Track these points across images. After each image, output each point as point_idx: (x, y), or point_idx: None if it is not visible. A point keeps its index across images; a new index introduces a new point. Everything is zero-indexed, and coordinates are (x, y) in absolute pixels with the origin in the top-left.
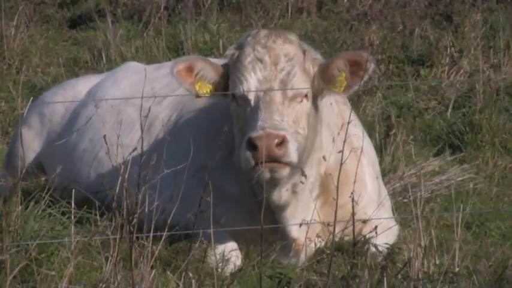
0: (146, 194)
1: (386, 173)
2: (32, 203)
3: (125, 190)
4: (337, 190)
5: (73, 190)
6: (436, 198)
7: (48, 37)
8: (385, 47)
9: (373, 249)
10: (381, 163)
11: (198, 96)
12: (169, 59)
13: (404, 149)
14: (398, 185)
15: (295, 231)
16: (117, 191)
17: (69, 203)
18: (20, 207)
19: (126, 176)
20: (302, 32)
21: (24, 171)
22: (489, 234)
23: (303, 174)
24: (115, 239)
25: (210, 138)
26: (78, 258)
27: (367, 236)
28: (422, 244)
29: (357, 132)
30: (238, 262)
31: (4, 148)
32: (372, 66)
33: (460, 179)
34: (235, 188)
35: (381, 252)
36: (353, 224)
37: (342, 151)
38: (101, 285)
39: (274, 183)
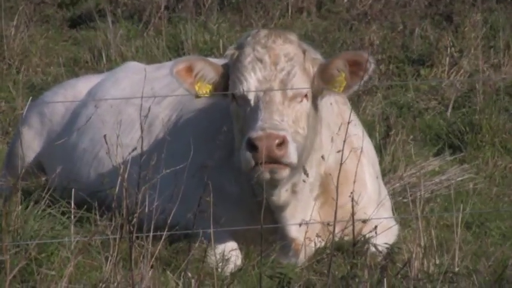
0: (146, 193)
1: (386, 173)
2: (32, 203)
3: (125, 190)
4: (337, 190)
5: (73, 190)
6: (436, 198)
7: (48, 37)
8: (385, 46)
9: (373, 249)
10: (380, 163)
11: (197, 96)
12: (170, 59)
13: (404, 149)
14: (398, 184)
15: (295, 231)
16: (116, 190)
17: (69, 203)
18: (19, 207)
19: (126, 176)
20: (302, 31)
21: (23, 170)
22: (489, 234)
23: (305, 172)
24: (115, 239)
25: (209, 138)
26: (78, 258)
27: (367, 235)
28: (422, 244)
29: (357, 132)
30: (238, 262)
31: (4, 148)
32: (371, 66)
33: (460, 179)
34: (235, 188)
35: (380, 252)
36: (353, 224)
37: (340, 151)
38: (100, 285)
39: (274, 184)
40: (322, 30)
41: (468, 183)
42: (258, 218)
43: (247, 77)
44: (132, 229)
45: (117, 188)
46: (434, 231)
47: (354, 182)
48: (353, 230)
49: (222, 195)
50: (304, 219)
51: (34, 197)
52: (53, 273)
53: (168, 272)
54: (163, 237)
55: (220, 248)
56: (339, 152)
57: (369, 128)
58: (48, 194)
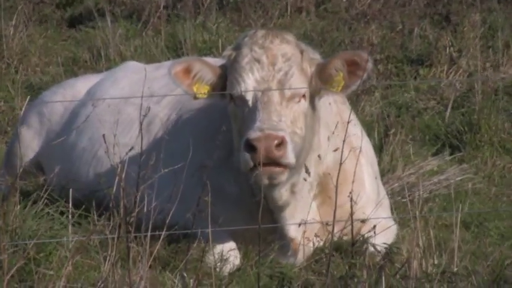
0: (145, 193)
1: (385, 172)
2: (30, 203)
3: (122, 190)
4: (336, 190)
5: (70, 190)
6: (434, 198)
7: (47, 36)
8: (384, 46)
9: (371, 249)
10: (379, 163)
11: (196, 97)
12: (169, 59)
13: (403, 148)
14: (397, 184)
15: (294, 231)
16: (114, 190)
17: (68, 203)
18: (18, 206)
19: (123, 176)
20: (301, 31)
21: (22, 170)
22: (488, 234)
23: (307, 171)
24: (113, 239)
25: (208, 138)
26: (76, 257)
27: (366, 235)
28: (421, 244)
29: (356, 131)
30: (237, 262)
31: (3, 147)
32: (369, 66)
33: (458, 178)
34: (234, 188)
35: (379, 252)
36: (351, 224)
37: (337, 149)
38: (99, 284)
39: (272, 186)
40: (321, 30)
41: (467, 183)
42: (257, 217)
43: (245, 78)
44: (130, 229)
45: (115, 187)
46: (432, 231)
47: (353, 181)
48: (352, 229)
49: (221, 195)
50: (303, 219)
51: (32, 196)
52: (51, 272)
53: (167, 272)
54: (161, 237)
55: (218, 247)
56: (336, 150)
57: (368, 127)
58: (47, 193)
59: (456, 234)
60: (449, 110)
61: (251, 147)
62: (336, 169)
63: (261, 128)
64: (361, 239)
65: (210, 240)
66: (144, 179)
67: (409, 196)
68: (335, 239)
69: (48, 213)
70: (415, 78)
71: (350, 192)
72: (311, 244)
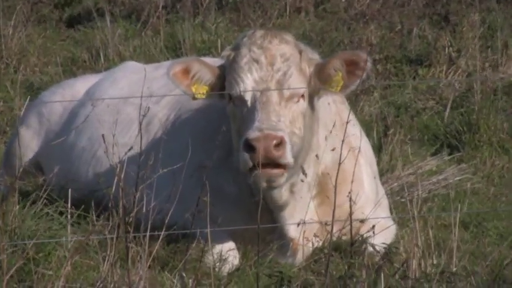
0: (144, 193)
1: (384, 172)
2: (29, 203)
3: (121, 189)
4: (335, 189)
5: (69, 190)
6: (433, 198)
7: (46, 36)
8: (383, 46)
9: (370, 248)
10: (378, 163)
11: (194, 98)
12: (168, 59)
13: (402, 148)
14: (395, 184)
15: (293, 231)
16: (113, 190)
17: (67, 203)
18: (17, 206)
19: (123, 176)
20: (300, 31)
21: (21, 170)
22: (486, 234)
23: (304, 172)
24: (112, 239)
25: (207, 138)
26: (75, 257)
27: (365, 235)
28: (420, 244)
29: (355, 131)
30: (236, 262)
31: (2, 148)
32: (368, 65)
33: (457, 178)
34: (233, 188)
35: (378, 251)
36: (350, 224)
37: (334, 149)
38: (98, 284)
39: (271, 188)
40: (320, 30)
41: (466, 183)
42: (256, 217)
43: (244, 78)
44: (129, 229)
45: (114, 187)
46: (431, 231)
47: (352, 181)
48: (351, 229)
49: (220, 195)
50: (302, 219)
51: (32, 196)
52: (50, 272)
53: (166, 272)
54: (160, 237)
55: (217, 247)
56: (333, 150)
57: (367, 127)
58: (46, 193)
59: (455, 234)
60: (448, 110)
61: (250, 147)
62: (334, 169)
63: (260, 128)
64: (360, 239)
65: (209, 240)
66: (143, 179)
67: (408, 196)
68: (334, 239)
69: (47, 213)
70: (414, 78)
71: (349, 192)
72: (310, 244)
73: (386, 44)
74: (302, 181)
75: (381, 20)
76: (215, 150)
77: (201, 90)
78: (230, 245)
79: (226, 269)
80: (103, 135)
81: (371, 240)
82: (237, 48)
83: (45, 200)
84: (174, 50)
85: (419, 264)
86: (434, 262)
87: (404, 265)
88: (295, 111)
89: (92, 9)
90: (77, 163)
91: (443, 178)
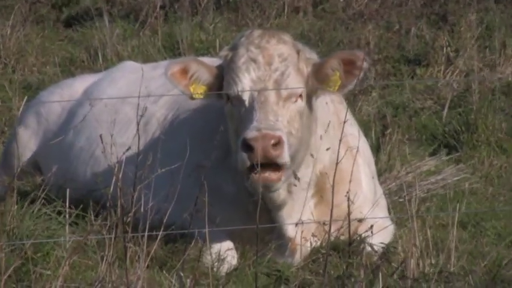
0: (142, 193)
1: (382, 172)
2: (27, 203)
3: (119, 189)
4: (333, 189)
5: (67, 190)
6: (431, 198)
7: (44, 36)
8: (381, 46)
9: (368, 248)
10: (376, 162)
11: (192, 97)
12: (165, 59)
13: (400, 148)
14: (394, 184)
15: (291, 231)
16: (111, 190)
17: (65, 202)
18: (15, 206)
19: (121, 175)
20: (298, 31)
21: (19, 170)
22: (484, 233)
23: (296, 177)
24: (110, 239)
25: (205, 138)
26: (73, 257)
27: (363, 235)
28: (418, 244)
29: (353, 131)
30: (234, 262)
31: (0, 147)
32: (365, 65)
33: (455, 178)
34: (232, 188)
35: (376, 251)
36: (349, 224)
37: (329, 148)
38: (96, 284)
39: (269, 192)
40: (318, 30)
41: (464, 183)
42: (254, 217)
43: (242, 78)
44: (127, 229)
45: (112, 187)
46: (430, 231)
47: (350, 181)
48: (349, 229)
49: (218, 194)
50: (300, 219)
51: (30, 196)
52: (49, 272)
53: (164, 272)
54: (158, 237)
55: (216, 247)
56: (327, 149)
57: (365, 127)
58: (44, 193)
59: (453, 234)
60: (446, 109)
61: (248, 147)
62: (332, 169)
63: (258, 128)
64: (358, 238)
65: (207, 240)
66: (141, 179)
67: (406, 196)
68: (332, 238)
69: (45, 213)
70: (412, 78)
71: (347, 192)
72: (308, 244)
73: (384, 44)
74: (295, 185)
75: (379, 19)
76: (213, 150)
77: (199, 90)
78: (228, 244)
79: (225, 268)
80: (101, 135)
81: (369, 240)
82: (234, 48)
83: (43, 200)
84: (172, 50)
85: (418, 264)
86: (433, 262)
87: (403, 265)
88: (293, 111)
89: (90, 9)
90: (75, 163)
91: (442, 178)
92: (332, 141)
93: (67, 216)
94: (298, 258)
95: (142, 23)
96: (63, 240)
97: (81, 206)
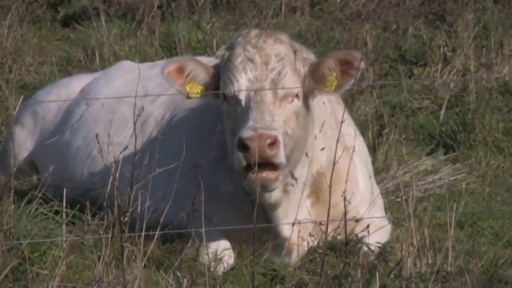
0: (139, 192)
1: (379, 172)
2: (24, 202)
3: (116, 189)
4: (330, 189)
5: (64, 189)
6: (428, 198)
7: (41, 36)
8: (378, 46)
9: (365, 248)
10: (373, 162)
11: (189, 97)
12: (163, 58)
13: (397, 148)
14: (391, 184)
15: (287, 230)
16: (108, 189)
17: (62, 202)
18: (12, 206)
19: (117, 175)
20: (295, 31)
21: (15, 169)
22: (482, 233)
23: (293, 177)
24: (107, 238)
25: (202, 138)
26: (70, 257)
27: (360, 235)
28: (415, 243)
29: (350, 131)
30: (231, 261)
31: None
32: (362, 65)
33: (452, 178)
34: (229, 187)
35: (373, 251)
36: (345, 223)
37: (324, 148)
38: (93, 284)
39: (266, 192)
40: (316, 30)
41: (461, 183)
42: (251, 217)
43: (238, 77)
44: (124, 228)
45: (109, 186)
46: (427, 231)
47: (346, 181)
48: (345, 229)
49: (215, 194)
50: (296, 219)
51: (27, 196)
52: (45, 272)
53: (161, 272)
54: (155, 237)
55: (213, 247)
56: (322, 149)
57: (362, 127)
58: (41, 193)
59: (450, 234)
60: (443, 109)
61: (244, 147)
62: (329, 169)
63: (254, 127)
64: (355, 238)
65: (204, 240)
66: (138, 179)
67: (403, 195)
68: (329, 238)
69: (42, 212)
70: (410, 77)
71: (344, 192)
72: (305, 243)
73: (381, 43)
74: (292, 185)
75: (376, 19)
76: (210, 149)
77: (195, 90)
78: (225, 244)
79: (222, 268)
80: (97, 135)
81: (366, 240)
82: (231, 48)
83: (40, 200)
84: (170, 50)
85: (415, 264)
86: (430, 261)
87: (400, 264)
88: (289, 111)
89: (87, 8)
90: (72, 162)
91: (439, 178)
92: (329, 141)
93: (64, 215)
94: (295, 258)
95: (139, 22)
96: (60, 239)
97: (78, 205)
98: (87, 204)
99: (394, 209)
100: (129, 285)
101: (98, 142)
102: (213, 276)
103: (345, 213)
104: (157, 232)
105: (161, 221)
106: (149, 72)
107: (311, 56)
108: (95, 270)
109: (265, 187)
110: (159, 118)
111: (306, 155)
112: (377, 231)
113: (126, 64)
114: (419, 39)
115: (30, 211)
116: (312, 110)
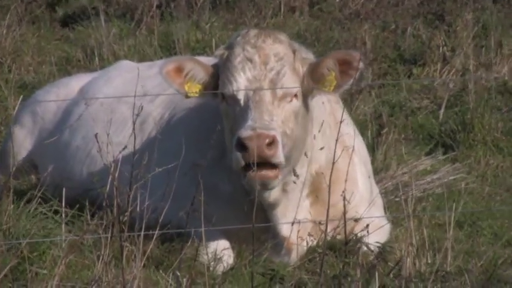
0: (138, 192)
1: (378, 171)
2: (23, 202)
3: (115, 189)
4: (329, 189)
5: (64, 189)
6: (428, 197)
7: (40, 36)
8: (377, 46)
9: (364, 248)
10: (372, 162)
11: (187, 96)
12: (162, 58)
13: (397, 148)
14: (390, 183)
15: (286, 230)
16: (107, 189)
17: (61, 202)
18: (11, 205)
19: (117, 175)
20: (294, 31)
21: (14, 169)
22: (481, 233)
23: (295, 174)
24: (106, 238)
25: (201, 137)
26: (69, 256)
27: (359, 234)
28: (414, 243)
29: (349, 131)
30: (230, 261)
31: None
32: (361, 65)
33: (452, 178)
34: (228, 187)
35: (372, 251)
36: (344, 223)
37: (323, 148)
38: (92, 283)
39: (265, 189)
40: (315, 30)
41: (460, 183)
42: (251, 216)
43: (237, 77)
44: (123, 228)
45: (108, 186)
46: (426, 230)
47: (346, 180)
48: (345, 229)
49: (214, 193)
50: (295, 218)
51: (26, 195)
52: (45, 271)
53: (160, 271)
54: (155, 236)
55: (212, 247)
56: (321, 149)
57: (361, 127)
58: (40, 192)
59: (449, 234)
60: (442, 109)
61: (242, 146)
62: (329, 168)
63: (252, 127)
64: (354, 238)
65: (203, 240)
66: (137, 178)
67: (402, 195)
68: (328, 238)
69: (41, 212)
70: (409, 77)
71: (343, 191)
72: (304, 243)
73: (380, 43)
74: (294, 182)
75: (375, 19)
76: (209, 149)
77: (194, 89)
78: (225, 244)
79: (221, 268)
80: (96, 135)
81: (365, 240)
82: (230, 47)
83: (39, 199)
84: (169, 49)
85: (414, 264)
86: (429, 261)
87: (399, 264)
88: (288, 111)
89: (86, 8)
90: (72, 162)
91: (438, 177)
92: (328, 140)
93: (63, 215)
94: (294, 257)
95: (138, 22)
96: (60, 239)
97: (78, 205)
98: (87, 203)
99: (393, 208)
100: (129, 284)
101: (97, 142)
102: (212, 276)
103: (344, 213)
104: (156, 232)
105: (160, 220)
106: (148, 71)
107: (310, 56)
108: (94, 270)
109: (265, 185)
110: (158, 118)
111: (305, 154)
112: (376, 231)
113: (125, 64)
114: (418, 39)
115: (29, 211)
116: (311, 110)
